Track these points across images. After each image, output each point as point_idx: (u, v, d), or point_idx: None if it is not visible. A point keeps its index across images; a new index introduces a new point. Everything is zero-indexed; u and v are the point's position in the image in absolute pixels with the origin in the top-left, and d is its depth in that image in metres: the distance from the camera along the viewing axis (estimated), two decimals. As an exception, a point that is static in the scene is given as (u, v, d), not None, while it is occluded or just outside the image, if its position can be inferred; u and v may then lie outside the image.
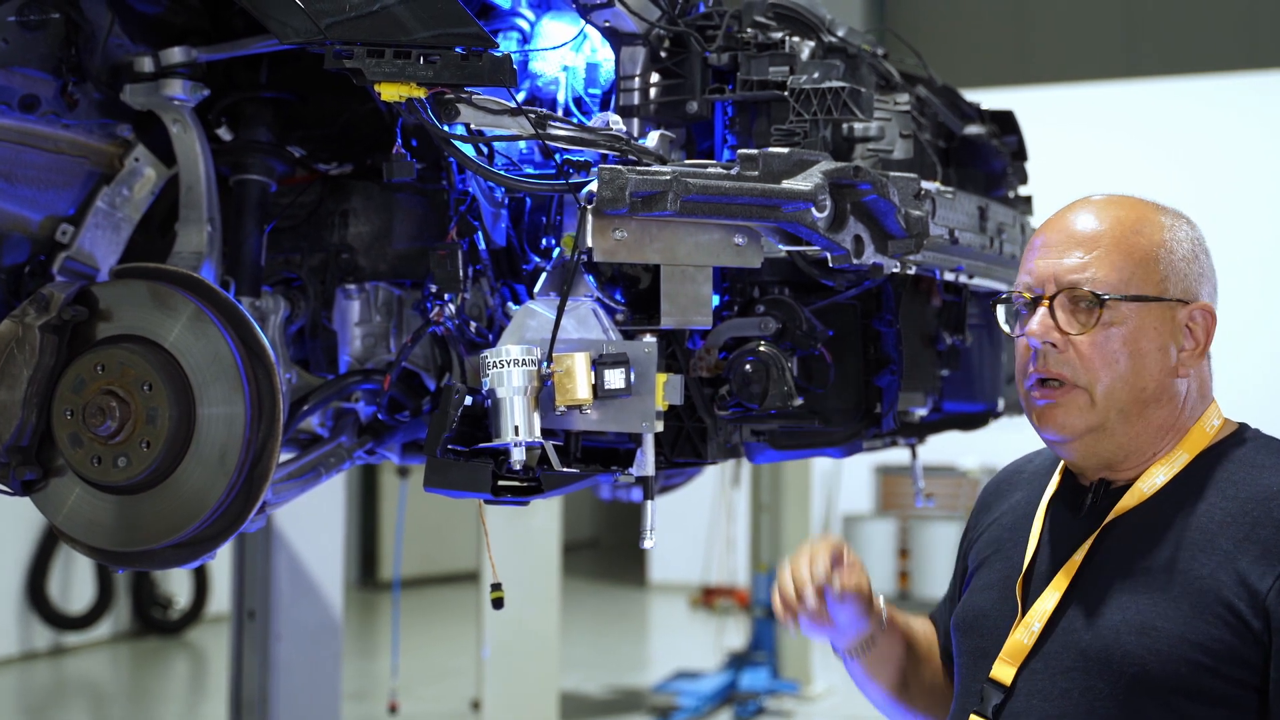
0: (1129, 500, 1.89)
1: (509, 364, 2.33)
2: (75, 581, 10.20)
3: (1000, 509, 2.13)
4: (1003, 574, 2.01)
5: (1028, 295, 1.96)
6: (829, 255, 2.40)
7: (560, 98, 2.81)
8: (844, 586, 2.05)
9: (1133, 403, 1.89)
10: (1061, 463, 2.04)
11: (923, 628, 2.30)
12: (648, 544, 2.45)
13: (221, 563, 8.93)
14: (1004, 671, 1.91)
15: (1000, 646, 1.94)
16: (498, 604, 2.58)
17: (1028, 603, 1.94)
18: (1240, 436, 1.93)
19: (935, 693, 2.25)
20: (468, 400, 2.43)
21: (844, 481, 12.39)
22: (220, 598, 10.71)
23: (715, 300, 2.63)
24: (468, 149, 2.47)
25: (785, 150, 2.36)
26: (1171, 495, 1.87)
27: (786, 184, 2.31)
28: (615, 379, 2.36)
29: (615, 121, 2.57)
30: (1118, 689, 1.78)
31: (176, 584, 11.00)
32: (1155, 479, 1.88)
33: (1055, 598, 1.89)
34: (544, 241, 2.80)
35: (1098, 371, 1.89)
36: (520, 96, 2.61)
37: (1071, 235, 1.93)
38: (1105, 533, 1.89)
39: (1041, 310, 1.92)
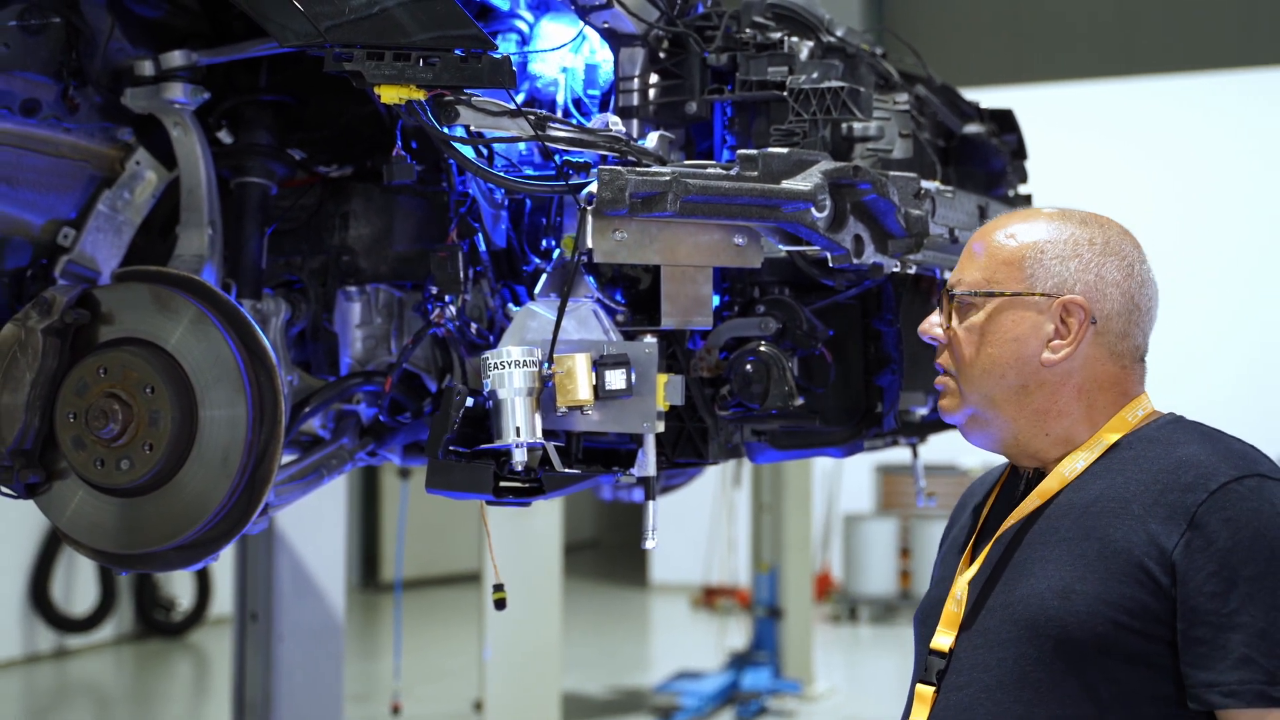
0: (1051, 483, 1.98)
1: (510, 365, 2.33)
2: (78, 584, 10.20)
3: (966, 512, 2.21)
4: (954, 568, 2.09)
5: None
6: (829, 255, 2.40)
7: (559, 99, 2.82)
8: None
9: (998, 389, 2.00)
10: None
11: None
12: (649, 544, 2.45)
13: (224, 565, 8.91)
14: (942, 640, 1.99)
15: None
16: (500, 605, 2.58)
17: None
18: (1164, 421, 2.01)
19: None
20: (469, 402, 2.43)
21: (845, 481, 12.39)
22: (222, 600, 10.71)
23: (715, 300, 2.64)
24: (467, 151, 2.47)
25: (785, 150, 2.36)
26: (1093, 474, 1.96)
27: (786, 184, 2.31)
28: (616, 380, 2.36)
29: (615, 122, 2.57)
30: (1044, 653, 1.86)
31: (179, 586, 11.00)
32: (1076, 464, 1.98)
33: (975, 568, 1.99)
34: (544, 243, 2.80)
35: (961, 361, 2.03)
36: (519, 98, 2.62)
37: (969, 246, 2.08)
38: (1034, 513, 1.98)
39: (937, 310, 2.08)
